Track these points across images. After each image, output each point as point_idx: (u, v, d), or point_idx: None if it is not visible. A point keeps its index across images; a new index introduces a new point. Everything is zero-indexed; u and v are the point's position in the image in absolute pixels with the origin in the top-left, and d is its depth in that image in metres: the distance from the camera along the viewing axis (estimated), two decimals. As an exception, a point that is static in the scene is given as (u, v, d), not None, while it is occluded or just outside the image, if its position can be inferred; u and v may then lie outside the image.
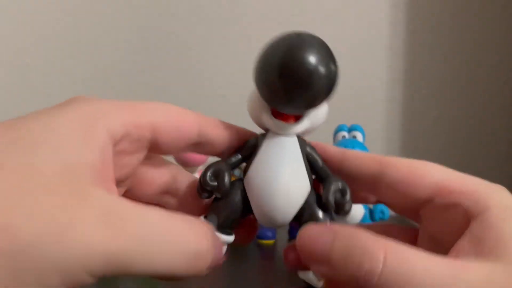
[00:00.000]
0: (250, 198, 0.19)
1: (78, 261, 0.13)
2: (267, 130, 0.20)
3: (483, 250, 0.16)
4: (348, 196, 0.18)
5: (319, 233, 0.16)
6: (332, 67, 0.17)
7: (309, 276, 0.19)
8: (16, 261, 0.12)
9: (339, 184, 0.19)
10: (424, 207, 0.19)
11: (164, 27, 0.65)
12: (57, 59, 0.64)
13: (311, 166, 0.19)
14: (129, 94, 0.65)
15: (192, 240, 0.15)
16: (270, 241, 0.48)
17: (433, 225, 0.19)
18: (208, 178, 0.18)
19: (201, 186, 0.19)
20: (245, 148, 0.20)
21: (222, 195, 0.19)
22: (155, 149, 0.19)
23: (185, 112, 0.19)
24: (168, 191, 0.20)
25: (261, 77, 0.17)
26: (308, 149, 0.19)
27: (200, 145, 0.19)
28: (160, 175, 0.20)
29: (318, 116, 0.19)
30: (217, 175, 0.19)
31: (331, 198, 0.18)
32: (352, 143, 0.44)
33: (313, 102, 0.17)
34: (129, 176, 0.19)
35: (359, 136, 0.45)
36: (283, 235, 0.50)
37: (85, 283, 0.13)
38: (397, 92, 0.68)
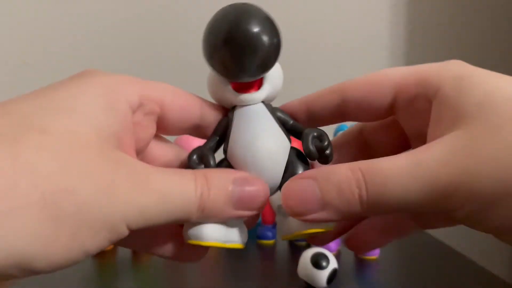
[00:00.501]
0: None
1: (121, 217, 0.15)
2: (233, 107, 0.20)
3: (444, 128, 0.16)
4: (326, 140, 0.19)
5: (301, 187, 0.17)
6: (274, 30, 0.18)
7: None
8: (76, 220, 0.14)
9: (315, 132, 0.19)
10: (396, 113, 0.19)
11: (164, 26, 0.65)
12: (57, 59, 0.64)
13: (284, 126, 0.20)
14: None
15: (199, 187, 0.17)
16: (270, 241, 0.48)
17: (412, 126, 0.19)
18: (193, 163, 0.19)
19: None
20: (219, 128, 0.20)
21: None
22: (161, 127, 0.20)
23: (190, 94, 0.20)
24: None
25: (211, 51, 0.18)
26: (277, 112, 0.20)
27: (199, 128, 0.20)
28: (165, 153, 0.21)
29: (276, 79, 0.20)
30: (202, 158, 0.19)
31: (311, 146, 0.19)
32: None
33: (264, 64, 0.18)
34: (142, 152, 0.20)
35: (359, 136, 0.45)
36: (283, 235, 0.50)
37: (123, 235, 0.15)
38: (397, 92, 0.68)
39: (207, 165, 0.19)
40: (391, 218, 0.21)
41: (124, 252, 0.44)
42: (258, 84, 0.20)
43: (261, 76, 0.19)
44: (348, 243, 0.22)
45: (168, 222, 0.16)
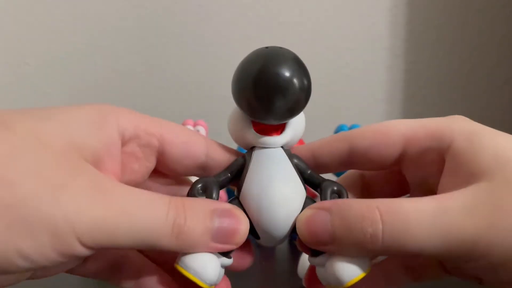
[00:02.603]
0: (249, 214, 0.18)
1: (68, 224, 0.13)
2: (252, 149, 0.20)
3: (462, 180, 0.16)
4: (345, 196, 0.19)
5: (315, 216, 0.17)
6: (305, 78, 0.18)
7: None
8: (12, 212, 0.13)
9: (335, 186, 0.19)
10: (402, 163, 0.19)
11: (165, 27, 0.65)
12: (57, 59, 0.64)
13: (301, 175, 0.20)
14: (129, 93, 0.65)
15: (171, 212, 0.16)
16: (270, 241, 0.48)
17: (416, 176, 0.20)
18: (196, 191, 0.19)
19: None
20: (233, 166, 0.20)
21: None
22: (163, 164, 0.19)
23: (194, 133, 0.20)
24: None
25: (241, 90, 0.18)
26: (294, 158, 0.20)
27: (206, 168, 0.20)
28: (165, 190, 0.21)
29: (298, 126, 0.20)
30: (205, 189, 0.19)
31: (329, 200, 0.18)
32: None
33: (291, 110, 0.18)
34: (137, 185, 0.19)
35: (359, 136, 0.45)
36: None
37: (76, 252, 0.14)
38: (397, 92, 0.68)
39: (209, 196, 0.18)
40: (382, 271, 0.21)
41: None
42: (281, 129, 0.19)
43: (287, 121, 0.19)
44: None
45: (136, 245, 0.15)
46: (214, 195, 0.19)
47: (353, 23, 0.66)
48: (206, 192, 0.19)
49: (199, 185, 0.19)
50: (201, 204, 0.17)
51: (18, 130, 0.14)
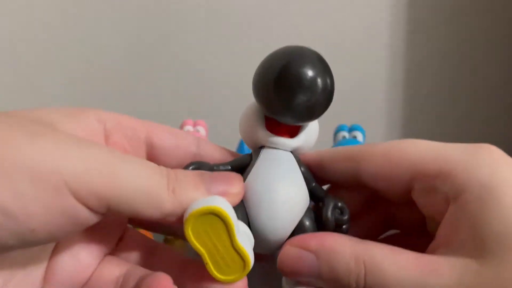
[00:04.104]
0: (247, 210, 0.18)
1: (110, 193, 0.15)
2: (260, 148, 0.19)
3: (457, 241, 0.16)
4: (347, 215, 0.19)
5: (300, 256, 0.17)
6: (330, 81, 0.17)
7: None
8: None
9: (338, 203, 0.19)
10: (412, 192, 0.18)
11: (164, 26, 0.65)
12: (57, 59, 0.64)
13: (306, 185, 0.19)
14: (129, 92, 0.65)
15: (164, 174, 0.16)
16: (270, 241, 0.48)
17: (424, 209, 0.19)
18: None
19: None
20: (236, 161, 0.20)
21: None
22: (153, 157, 0.19)
23: (181, 131, 0.20)
24: None
25: (262, 82, 0.18)
26: (302, 168, 0.19)
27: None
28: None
29: (311, 134, 0.20)
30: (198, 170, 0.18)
31: (331, 216, 0.18)
32: (352, 143, 0.44)
33: (311, 111, 0.18)
34: None
35: (359, 136, 0.45)
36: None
37: (87, 221, 0.15)
38: (397, 92, 0.68)
39: None
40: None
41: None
42: (294, 133, 0.19)
43: (305, 123, 0.19)
44: None
45: (143, 216, 0.16)
46: None
47: (353, 23, 0.66)
48: None
49: (192, 166, 0.19)
50: (191, 173, 0.17)
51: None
